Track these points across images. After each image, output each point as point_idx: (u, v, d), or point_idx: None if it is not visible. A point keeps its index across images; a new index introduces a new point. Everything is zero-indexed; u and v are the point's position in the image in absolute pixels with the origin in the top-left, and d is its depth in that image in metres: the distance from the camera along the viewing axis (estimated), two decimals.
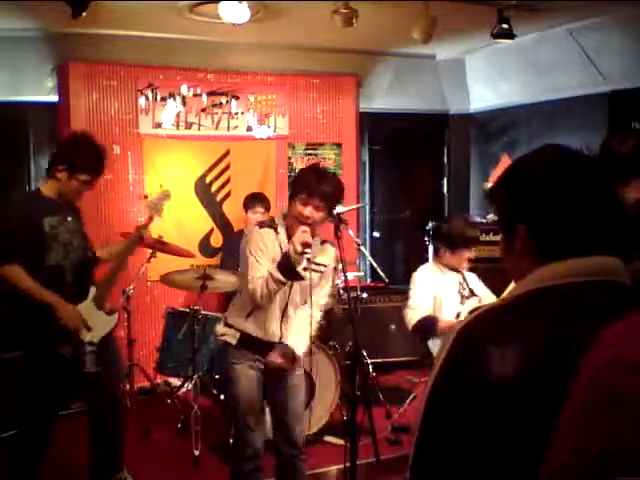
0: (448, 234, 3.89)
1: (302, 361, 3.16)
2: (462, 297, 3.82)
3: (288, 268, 2.83)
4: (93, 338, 3.19)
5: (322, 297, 3.16)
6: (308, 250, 2.82)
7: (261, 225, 3.03)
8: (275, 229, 2.99)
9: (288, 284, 2.94)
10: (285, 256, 2.85)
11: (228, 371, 3.04)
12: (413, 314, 3.83)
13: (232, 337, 3.01)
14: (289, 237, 2.96)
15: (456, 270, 3.92)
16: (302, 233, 2.84)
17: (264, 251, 2.93)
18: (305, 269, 2.87)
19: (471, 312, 1.08)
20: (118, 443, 3.47)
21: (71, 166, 3.15)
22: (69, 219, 3.24)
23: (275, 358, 2.99)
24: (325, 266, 3.04)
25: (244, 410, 3.00)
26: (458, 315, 3.75)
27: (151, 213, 3.42)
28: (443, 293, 3.83)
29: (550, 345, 0.96)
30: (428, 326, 3.74)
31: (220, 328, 3.08)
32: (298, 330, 3.04)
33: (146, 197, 3.49)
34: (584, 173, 1.10)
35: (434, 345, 3.90)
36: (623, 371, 0.81)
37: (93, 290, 3.29)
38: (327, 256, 3.07)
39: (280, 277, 2.83)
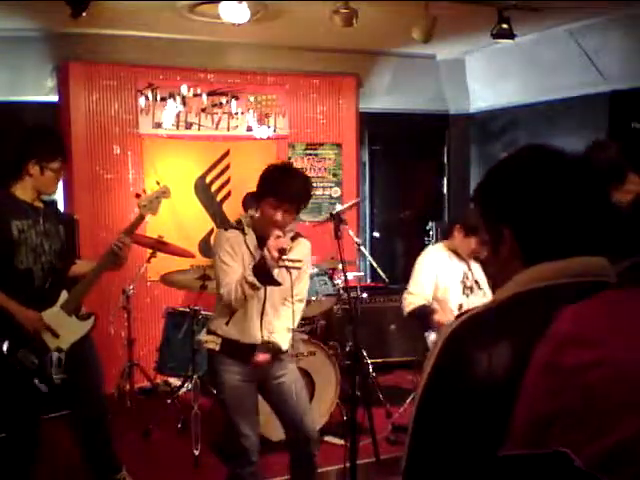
0: (467, 217, 3.86)
1: (292, 356, 3.16)
2: (465, 287, 3.80)
3: (264, 274, 2.76)
4: (61, 344, 3.10)
5: (302, 291, 3.10)
6: (285, 257, 2.76)
7: (226, 227, 2.97)
8: (242, 230, 2.93)
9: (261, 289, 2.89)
10: (260, 261, 2.78)
11: (215, 378, 3.02)
12: (412, 299, 3.80)
13: (214, 343, 2.98)
14: (258, 239, 2.91)
15: (462, 258, 3.90)
16: (276, 239, 2.75)
17: (232, 254, 2.87)
18: (280, 266, 2.81)
19: (458, 317, 1.08)
20: (108, 446, 3.42)
21: (40, 158, 3.06)
22: (41, 222, 3.13)
23: (258, 357, 2.97)
24: (300, 261, 2.91)
25: (234, 416, 2.97)
26: (460, 307, 3.73)
27: (143, 212, 3.22)
28: (447, 280, 3.80)
29: (531, 350, 0.96)
30: (422, 316, 3.73)
31: (203, 336, 3.05)
32: (281, 328, 3.02)
33: (138, 195, 3.24)
34: (567, 173, 1.10)
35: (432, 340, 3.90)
36: (559, 344, 0.92)
37: (64, 295, 3.17)
38: (300, 250, 2.99)
39: (255, 282, 2.76)
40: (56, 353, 3.09)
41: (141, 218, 3.25)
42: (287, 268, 2.86)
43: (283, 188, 2.83)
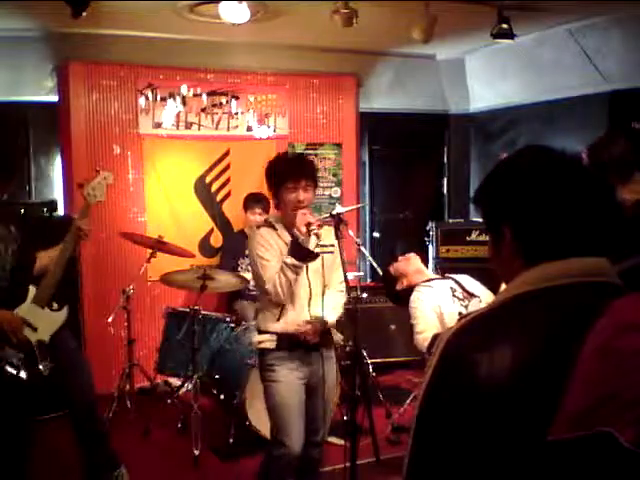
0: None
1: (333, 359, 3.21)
2: (459, 300, 3.81)
3: (300, 251, 2.88)
4: (41, 337, 3.19)
5: (341, 280, 3.16)
6: (313, 228, 2.89)
7: (259, 226, 3.09)
8: (273, 227, 3.04)
9: (304, 276, 2.97)
10: (294, 242, 2.91)
11: (266, 375, 3.03)
12: (424, 337, 3.81)
13: (270, 342, 3.01)
14: (289, 231, 3.01)
15: (443, 277, 3.91)
16: (302, 215, 2.91)
17: (269, 248, 2.97)
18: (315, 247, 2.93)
19: (459, 320, 1.08)
20: (103, 440, 3.45)
21: None
22: None
23: (303, 328, 3.00)
24: (332, 246, 3.06)
25: (286, 414, 2.97)
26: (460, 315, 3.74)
27: (89, 201, 3.33)
28: (441, 304, 3.80)
29: (537, 350, 0.96)
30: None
31: (256, 337, 3.10)
32: (329, 304, 3.09)
33: (81, 185, 3.38)
34: (567, 174, 1.10)
35: None
36: (617, 330, 0.93)
37: (33, 290, 3.24)
38: (328, 236, 3.09)
39: (295, 262, 2.87)
40: (40, 345, 3.16)
41: (87, 206, 3.35)
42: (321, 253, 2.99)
43: (293, 167, 2.98)
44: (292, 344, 3.00)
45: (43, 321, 3.22)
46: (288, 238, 2.99)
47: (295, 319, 3.01)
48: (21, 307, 3.18)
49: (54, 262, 3.27)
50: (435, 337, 3.70)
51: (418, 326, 3.80)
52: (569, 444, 0.91)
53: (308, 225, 2.89)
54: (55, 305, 3.33)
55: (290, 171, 2.97)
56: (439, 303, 3.79)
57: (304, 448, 3.12)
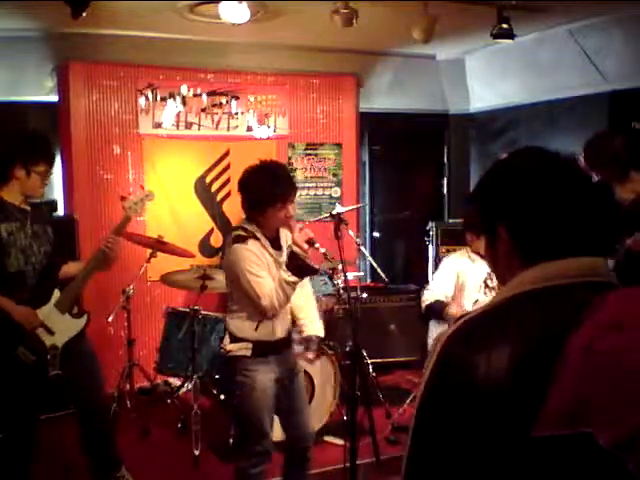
0: (468, 219, 3.97)
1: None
2: (486, 287, 3.82)
3: (300, 267, 2.81)
4: (56, 342, 3.19)
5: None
6: (317, 245, 2.85)
7: (243, 239, 2.90)
8: (256, 238, 2.93)
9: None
10: (293, 257, 2.82)
11: (241, 381, 2.99)
12: (428, 295, 3.94)
13: (245, 349, 2.97)
14: (271, 242, 2.96)
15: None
16: (301, 232, 2.84)
17: (259, 264, 2.88)
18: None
19: (458, 319, 1.08)
20: (109, 442, 3.49)
21: (26, 161, 3.12)
22: (29, 224, 3.20)
23: (307, 355, 3.12)
24: (289, 247, 3.04)
25: (261, 417, 2.97)
26: (476, 302, 3.75)
27: (129, 214, 3.33)
28: (467, 278, 3.86)
29: (535, 350, 0.96)
30: (436, 309, 3.82)
31: (229, 345, 3.02)
32: (312, 314, 3.13)
33: (124, 198, 3.39)
34: (562, 174, 1.11)
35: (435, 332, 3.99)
36: (599, 329, 0.94)
37: (57, 294, 3.25)
38: (286, 239, 3.08)
39: (296, 279, 2.81)
40: (52, 350, 3.16)
41: (127, 220, 3.35)
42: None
43: (283, 185, 2.90)
44: (266, 351, 2.97)
45: (61, 326, 3.22)
46: (270, 248, 2.95)
47: (271, 328, 2.98)
48: (42, 309, 3.19)
49: (82, 270, 3.28)
50: (436, 302, 3.78)
51: (430, 283, 4.00)
52: (552, 441, 0.92)
53: (310, 241, 2.83)
54: (75, 309, 3.33)
55: (281, 191, 2.88)
56: (465, 278, 3.82)
57: (290, 443, 3.16)
